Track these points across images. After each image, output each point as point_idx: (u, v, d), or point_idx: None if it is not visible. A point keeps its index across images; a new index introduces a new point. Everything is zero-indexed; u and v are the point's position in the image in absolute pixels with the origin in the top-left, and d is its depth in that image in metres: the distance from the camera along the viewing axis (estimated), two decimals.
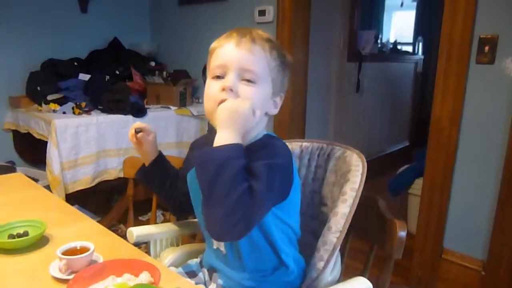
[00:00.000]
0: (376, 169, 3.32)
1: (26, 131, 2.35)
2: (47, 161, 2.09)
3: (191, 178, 0.93)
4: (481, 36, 1.69)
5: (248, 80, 0.80)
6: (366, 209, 1.01)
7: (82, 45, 2.72)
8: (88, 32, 2.79)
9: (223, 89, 0.80)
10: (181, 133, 2.58)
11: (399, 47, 3.96)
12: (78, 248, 0.76)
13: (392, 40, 4.08)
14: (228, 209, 0.68)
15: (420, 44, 4.18)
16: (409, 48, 4.27)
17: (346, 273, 0.99)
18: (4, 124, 2.52)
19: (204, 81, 2.56)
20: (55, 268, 0.73)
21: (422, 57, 4.20)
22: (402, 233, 0.88)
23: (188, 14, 2.87)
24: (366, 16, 3.45)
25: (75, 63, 2.59)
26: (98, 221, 2.56)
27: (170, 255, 1.01)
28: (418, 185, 2.32)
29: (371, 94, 3.47)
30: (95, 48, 2.77)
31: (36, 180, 2.42)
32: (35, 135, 2.25)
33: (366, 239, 1.02)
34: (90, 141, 2.20)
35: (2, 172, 2.12)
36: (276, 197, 0.77)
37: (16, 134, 2.52)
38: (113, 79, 2.55)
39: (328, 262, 0.84)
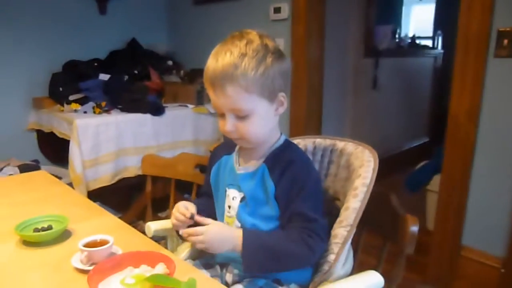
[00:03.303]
0: (395, 166, 3.30)
1: (49, 131, 2.42)
2: (69, 159, 2.15)
3: (215, 178, 1.01)
4: (500, 29, 1.66)
5: (242, 116, 0.85)
6: (379, 205, 1.02)
7: (101, 46, 2.79)
8: (107, 33, 2.86)
9: (227, 132, 0.88)
10: (198, 131, 2.62)
11: (417, 41, 3.90)
12: (99, 241, 0.79)
13: (411, 35, 4.03)
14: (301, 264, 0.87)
15: (440, 38, 4.11)
16: (429, 42, 4.20)
17: (361, 268, 1.00)
18: (28, 124, 2.60)
19: None
20: (77, 259, 0.77)
21: (442, 51, 4.13)
22: (414, 228, 0.88)
23: (204, 13, 2.90)
24: (383, 11, 3.41)
25: (95, 64, 2.66)
26: (119, 218, 2.64)
27: (187, 249, 1.04)
28: (436, 181, 2.29)
29: (389, 90, 3.44)
30: (114, 49, 2.83)
31: (59, 178, 2.49)
32: (57, 134, 2.32)
33: (380, 235, 1.03)
34: (110, 139, 2.25)
35: (27, 170, 2.21)
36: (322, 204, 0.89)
37: (40, 133, 2.60)
38: (131, 78, 2.61)
39: (339, 255, 0.85)
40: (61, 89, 2.43)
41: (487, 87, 1.73)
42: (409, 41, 3.72)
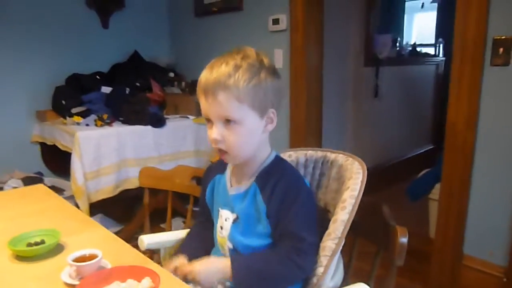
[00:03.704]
0: (399, 174, 3.29)
1: (52, 143, 2.46)
2: (71, 171, 2.18)
3: (210, 198, 1.03)
4: (495, 37, 1.67)
5: (229, 121, 0.86)
6: (372, 215, 1.02)
7: (104, 59, 2.83)
8: (110, 47, 2.90)
9: (213, 141, 0.88)
10: (199, 142, 2.64)
11: (418, 49, 3.90)
12: (87, 255, 0.80)
13: (412, 42, 4.03)
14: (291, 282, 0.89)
15: (441, 46, 4.11)
16: (431, 50, 4.20)
17: (357, 277, 1.00)
18: (32, 136, 2.64)
19: None
20: (66, 274, 0.78)
21: (443, 58, 4.12)
22: (403, 240, 0.88)
23: (205, 25, 2.94)
24: (384, 20, 3.42)
25: (98, 77, 2.70)
26: (121, 229, 2.64)
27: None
28: (438, 190, 2.28)
29: (390, 98, 3.44)
30: (116, 62, 2.88)
31: (62, 190, 2.53)
32: (60, 147, 2.36)
33: (373, 245, 1.03)
34: (111, 151, 2.28)
35: (30, 183, 2.24)
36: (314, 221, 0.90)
37: (44, 146, 2.64)
38: (133, 91, 2.64)
39: (327, 268, 0.85)
40: (64, 102, 2.47)
41: (484, 95, 1.73)
42: (410, 49, 3.72)
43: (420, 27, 4.54)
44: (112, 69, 2.84)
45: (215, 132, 0.87)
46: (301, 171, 1.08)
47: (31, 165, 2.65)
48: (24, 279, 0.82)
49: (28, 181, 2.37)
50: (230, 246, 0.94)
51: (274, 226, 0.88)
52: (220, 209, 0.97)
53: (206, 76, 0.86)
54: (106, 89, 2.55)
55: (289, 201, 0.86)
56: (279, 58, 2.47)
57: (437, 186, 2.37)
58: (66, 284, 0.76)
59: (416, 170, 2.85)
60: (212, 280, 0.87)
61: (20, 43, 2.56)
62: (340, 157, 1.02)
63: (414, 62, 3.77)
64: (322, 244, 0.88)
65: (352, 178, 0.92)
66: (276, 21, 2.44)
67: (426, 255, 2.04)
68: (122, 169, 2.34)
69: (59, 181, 2.60)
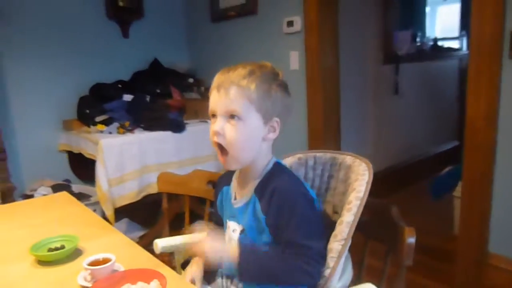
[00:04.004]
0: (423, 171, 3.23)
1: (78, 152, 2.55)
2: (96, 178, 2.26)
3: (220, 209, 1.05)
4: None
5: (233, 117, 0.88)
6: (382, 216, 1.02)
7: (125, 67, 2.92)
8: (131, 55, 2.99)
9: (214, 134, 0.90)
10: None
11: (440, 43, 3.81)
12: (101, 259, 0.84)
13: (438, 36, 3.93)
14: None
15: (465, 39, 4.00)
16: (455, 44, 4.09)
17: (371, 277, 1.00)
18: (59, 145, 2.75)
19: None
20: (82, 277, 0.83)
21: (467, 52, 4.01)
22: (411, 240, 0.88)
23: (221, 30, 2.98)
24: (404, 15, 3.36)
25: (119, 85, 2.78)
26: (146, 233, 2.70)
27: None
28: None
29: (412, 95, 3.38)
30: (137, 70, 2.96)
31: (89, 196, 2.62)
32: (85, 154, 2.45)
33: (384, 246, 1.03)
34: (133, 158, 2.35)
35: (59, 190, 2.33)
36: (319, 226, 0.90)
37: (71, 154, 2.74)
38: (154, 97, 2.71)
39: (334, 269, 0.86)
40: (87, 111, 2.56)
41: (503, 89, 1.69)
42: (431, 44, 3.64)
43: (444, 20, 4.43)
44: (133, 77, 2.92)
45: (217, 124, 0.89)
46: (310, 174, 1.09)
47: (60, 173, 2.75)
48: (43, 283, 0.87)
49: (57, 188, 2.47)
50: None
51: (275, 234, 0.89)
52: (228, 220, 1.00)
53: (223, 73, 0.91)
54: (127, 97, 2.63)
55: (287, 212, 0.87)
56: (295, 60, 2.48)
57: (462, 183, 2.32)
58: (82, 286, 0.81)
59: (441, 168, 2.80)
60: (218, 256, 0.88)
61: (46, 56, 2.67)
62: (348, 159, 1.02)
63: (436, 57, 3.68)
64: (329, 246, 0.89)
65: (358, 180, 0.93)
66: (290, 23, 2.46)
67: (451, 254, 2.00)
68: (144, 174, 2.41)
69: (86, 188, 2.69)
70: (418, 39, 3.48)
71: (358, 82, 2.93)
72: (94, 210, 2.52)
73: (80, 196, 2.59)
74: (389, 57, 3.09)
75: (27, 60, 2.60)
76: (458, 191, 2.37)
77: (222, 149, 0.91)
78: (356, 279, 1.02)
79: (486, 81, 1.71)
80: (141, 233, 2.70)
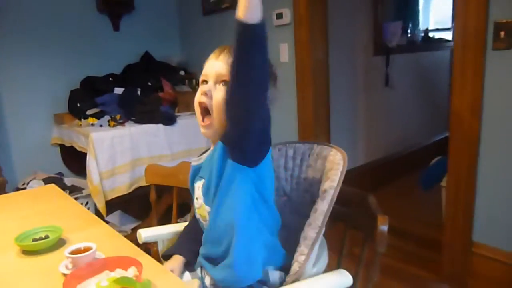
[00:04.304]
0: (415, 162, 3.26)
1: (70, 145, 2.57)
2: (87, 171, 2.28)
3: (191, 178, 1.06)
4: (496, 21, 1.64)
5: (223, 82, 0.92)
6: (360, 206, 1.05)
7: (116, 61, 2.93)
8: (121, 49, 2.99)
9: (202, 94, 0.94)
10: None
11: (432, 34, 3.82)
12: (82, 248, 0.87)
13: (431, 27, 3.93)
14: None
15: None
16: (449, 34, 4.10)
17: (352, 264, 1.03)
18: (51, 139, 2.77)
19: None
20: (64, 266, 0.85)
21: None
22: (383, 228, 0.91)
23: (212, 23, 2.99)
24: (397, 6, 3.36)
25: (111, 79, 2.79)
26: (139, 225, 2.73)
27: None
28: None
29: (403, 86, 3.40)
30: (128, 63, 2.97)
31: (81, 189, 2.65)
32: (77, 148, 2.46)
33: (361, 234, 1.06)
34: (125, 150, 2.37)
35: (51, 183, 2.35)
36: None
37: (63, 147, 2.76)
38: (145, 90, 2.72)
39: (308, 256, 0.89)
40: (78, 104, 2.57)
41: (487, 80, 1.71)
42: (422, 35, 3.65)
43: (437, 11, 4.42)
44: (124, 70, 2.93)
45: (207, 86, 0.94)
46: (290, 164, 1.12)
47: (52, 166, 2.78)
48: (27, 271, 0.89)
49: (49, 181, 2.49)
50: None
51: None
52: (194, 184, 1.05)
53: (225, 46, 0.96)
54: (118, 90, 2.64)
55: None
56: (285, 52, 2.49)
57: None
58: (64, 274, 0.83)
59: (433, 158, 2.82)
60: None
61: (37, 50, 2.68)
62: (324, 149, 1.05)
63: (427, 48, 3.69)
64: (303, 234, 0.92)
65: (333, 169, 0.95)
66: (280, 15, 2.46)
67: (437, 244, 2.04)
68: (136, 167, 2.43)
69: (78, 181, 2.72)
70: (409, 30, 3.49)
71: (348, 74, 2.95)
72: (87, 203, 2.56)
73: (73, 189, 2.61)
74: (380, 49, 3.10)
75: (18, 55, 2.61)
76: (445, 181, 2.40)
77: (206, 111, 0.94)
78: (337, 266, 1.05)
79: (471, 73, 1.73)
80: (134, 225, 2.73)
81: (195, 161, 1.06)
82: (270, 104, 0.87)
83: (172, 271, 0.98)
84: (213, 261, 0.97)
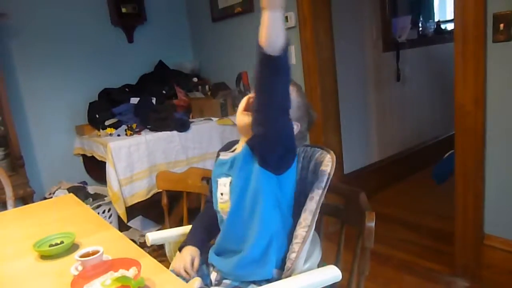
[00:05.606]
0: (430, 157, 3.24)
1: (91, 155, 2.70)
2: (107, 179, 2.40)
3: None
4: (495, 13, 1.64)
5: None
6: (354, 203, 1.09)
7: (131, 71, 3.04)
8: (136, 59, 3.11)
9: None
10: (225, 142, 2.76)
11: (443, 26, 3.76)
12: (91, 252, 0.95)
13: (448, 18, 3.87)
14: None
15: None
16: None
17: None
18: (74, 149, 2.91)
19: (238, 90, 2.74)
20: (74, 268, 0.94)
21: None
22: (370, 224, 0.95)
23: (221, 29, 3.07)
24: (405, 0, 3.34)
25: (127, 89, 2.91)
26: (159, 229, 2.83)
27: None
28: None
29: (415, 81, 3.38)
30: (143, 73, 3.08)
31: (104, 196, 2.77)
32: (97, 157, 2.59)
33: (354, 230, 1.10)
34: (142, 158, 2.47)
35: (75, 192, 2.48)
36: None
37: (85, 157, 2.90)
38: (160, 98, 2.82)
39: (299, 253, 0.94)
40: (97, 116, 2.70)
41: (489, 73, 1.71)
42: (434, 27, 3.61)
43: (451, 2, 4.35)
44: (140, 80, 3.04)
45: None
46: None
47: (76, 176, 2.91)
48: (44, 274, 0.99)
49: (73, 190, 2.62)
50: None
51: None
52: (218, 179, 1.11)
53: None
54: (134, 100, 2.75)
55: None
56: (292, 54, 2.54)
57: None
58: (74, 275, 0.92)
59: (446, 152, 2.80)
60: None
61: (58, 65, 2.82)
62: (316, 151, 1.10)
63: (439, 40, 3.64)
64: (295, 233, 0.97)
65: (322, 170, 1.00)
66: (285, 19, 2.51)
67: (449, 236, 2.04)
68: (153, 173, 2.52)
69: (100, 189, 2.84)
70: (420, 23, 3.46)
71: (359, 71, 2.96)
72: (109, 210, 2.68)
73: (96, 197, 2.74)
74: (389, 44, 3.10)
75: (39, 71, 2.76)
76: None
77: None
78: (337, 262, 1.09)
79: (473, 66, 1.74)
80: (155, 229, 2.83)
81: (224, 155, 1.12)
82: (299, 142, 0.95)
83: (192, 259, 1.05)
84: (227, 253, 1.03)
